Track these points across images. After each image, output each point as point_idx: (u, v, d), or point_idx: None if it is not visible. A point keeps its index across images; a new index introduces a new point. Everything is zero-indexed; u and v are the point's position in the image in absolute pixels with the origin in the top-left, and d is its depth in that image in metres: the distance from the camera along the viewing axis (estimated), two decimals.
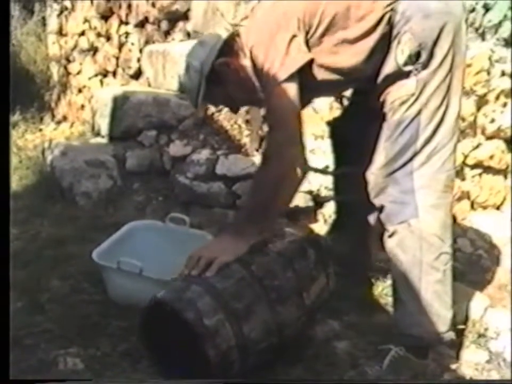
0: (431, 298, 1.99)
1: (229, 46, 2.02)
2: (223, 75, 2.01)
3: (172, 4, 3.82)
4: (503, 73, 3.45)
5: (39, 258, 2.51)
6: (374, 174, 2.04)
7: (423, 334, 2.01)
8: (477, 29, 3.29)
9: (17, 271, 2.28)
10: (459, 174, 3.38)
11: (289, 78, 1.90)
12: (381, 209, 2.04)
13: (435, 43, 1.93)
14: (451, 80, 1.98)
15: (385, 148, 2.01)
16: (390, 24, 1.96)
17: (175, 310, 1.74)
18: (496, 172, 3.59)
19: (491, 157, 3.51)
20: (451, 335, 2.06)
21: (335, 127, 2.53)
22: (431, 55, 1.94)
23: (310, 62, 1.95)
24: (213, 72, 1.99)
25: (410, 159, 1.97)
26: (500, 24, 3.37)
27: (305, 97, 2.01)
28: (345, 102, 2.75)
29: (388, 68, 1.98)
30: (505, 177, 3.64)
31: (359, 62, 1.99)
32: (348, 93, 2.51)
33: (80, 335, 2.01)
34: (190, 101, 2.12)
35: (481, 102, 3.41)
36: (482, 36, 3.35)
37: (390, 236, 2.01)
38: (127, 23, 4.30)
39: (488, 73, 3.36)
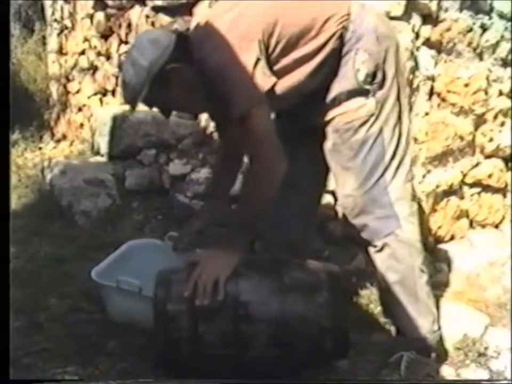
0: (426, 298, 2.15)
1: (180, 49, 1.94)
2: (170, 79, 1.94)
3: (171, 23, 3.83)
4: (500, 93, 3.46)
5: (37, 278, 2.51)
6: (351, 196, 2.11)
7: (426, 334, 2.14)
8: (474, 49, 3.30)
9: (16, 290, 2.27)
10: (458, 192, 3.39)
11: (260, 100, 1.91)
12: (362, 227, 2.13)
13: (384, 64, 2.06)
14: (400, 98, 2.12)
15: (351, 168, 2.10)
16: (341, 41, 2.03)
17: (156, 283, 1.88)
18: (495, 190, 3.59)
19: (490, 176, 3.52)
20: (440, 333, 2.23)
21: None
22: (383, 76, 2.06)
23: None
24: (160, 74, 1.91)
25: (382, 175, 2.08)
26: (497, 44, 3.39)
27: None
28: None
29: (341, 85, 2.05)
30: (504, 195, 3.64)
31: (306, 75, 2.02)
32: None
33: (79, 354, 2.00)
34: (127, 97, 2.01)
35: (480, 121, 3.42)
36: (480, 56, 3.37)
37: (380, 250, 2.11)
38: (126, 42, 4.31)
39: (486, 92, 3.38)
